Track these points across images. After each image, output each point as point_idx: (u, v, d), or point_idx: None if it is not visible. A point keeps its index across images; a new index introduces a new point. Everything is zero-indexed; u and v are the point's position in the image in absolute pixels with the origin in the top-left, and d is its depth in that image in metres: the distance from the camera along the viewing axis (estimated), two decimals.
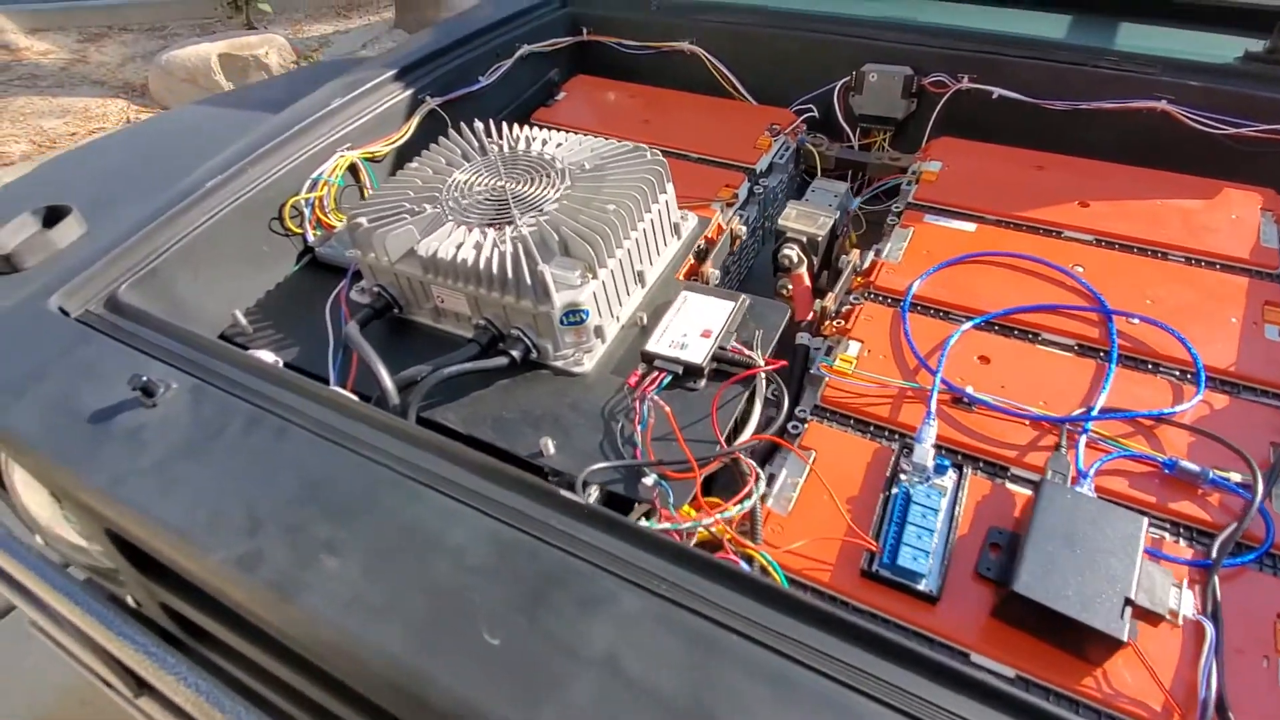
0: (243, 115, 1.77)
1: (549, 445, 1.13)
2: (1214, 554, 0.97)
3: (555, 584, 0.80)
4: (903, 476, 1.08)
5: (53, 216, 1.45)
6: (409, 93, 1.74)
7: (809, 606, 0.79)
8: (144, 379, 1.02)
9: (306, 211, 1.52)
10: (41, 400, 1.07)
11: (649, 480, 1.06)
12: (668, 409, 1.13)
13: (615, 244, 1.27)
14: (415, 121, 1.73)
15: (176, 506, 0.93)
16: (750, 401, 1.19)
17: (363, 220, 1.32)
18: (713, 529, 1.01)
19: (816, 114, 1.91)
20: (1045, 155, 1.67)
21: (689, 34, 2.04)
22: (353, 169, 1.62)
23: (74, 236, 1.41)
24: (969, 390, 1.19)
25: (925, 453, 1.08)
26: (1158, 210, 1.49)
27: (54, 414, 1.05)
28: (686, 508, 1.05)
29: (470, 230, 1.30)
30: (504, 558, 0.83)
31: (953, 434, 1.16)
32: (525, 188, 1.37)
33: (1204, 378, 1.17)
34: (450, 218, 1.33)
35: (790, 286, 1.56)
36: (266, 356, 1.30)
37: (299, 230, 1.53)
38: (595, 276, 1.24)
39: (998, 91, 1.73)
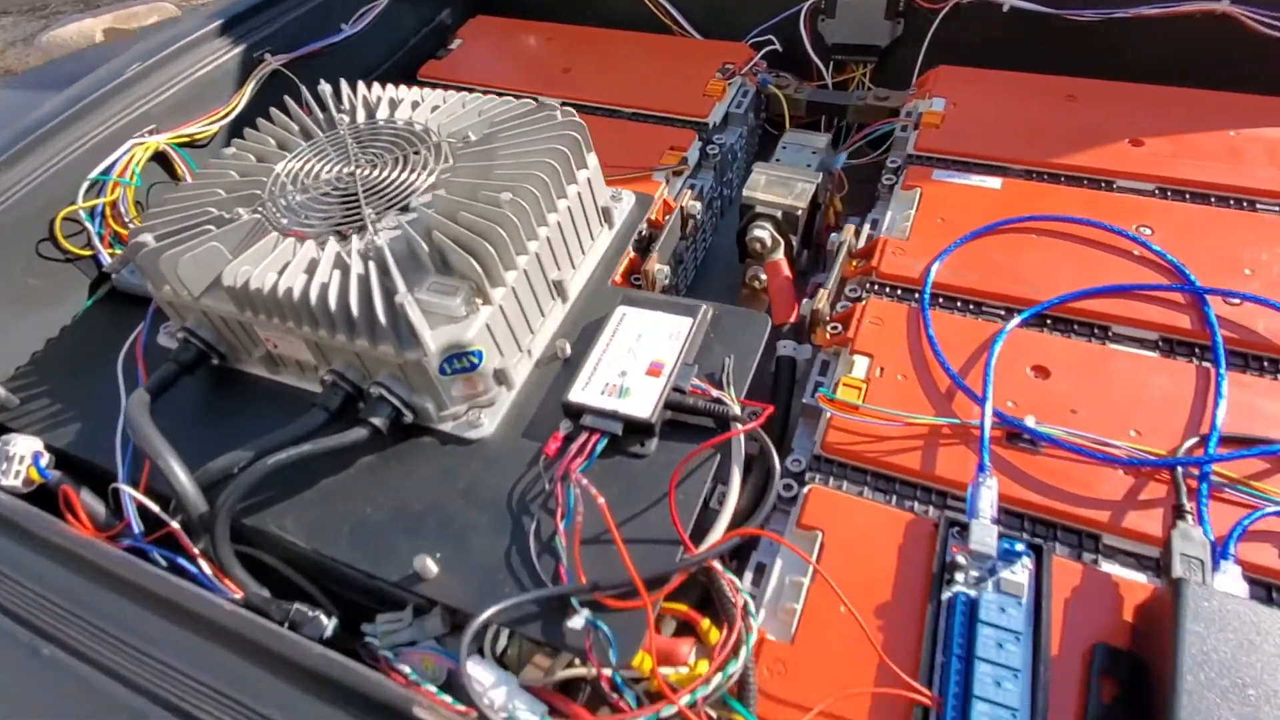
0: (17, 100, 1.32)
1: (429, 565, 0.75)
2: None
3: None
4: (959, 576, 0.73)
5: None
6: (239, 50, 1.30)
7: None
8: None
9: (93, 225, 1.10)
10: None
11: (577, 622, 0.69)
12: (601, 499, 0.76)
13: (516, 249, 0.88)
14: (251, 88, 1.29)
15: None
16: (723, 467, 0.82)
17: (147, 238, 0.91)
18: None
19: (778, 47, 1.51)
20: (1076, 81, 1.30)
21: None
22: (163, 160, 1.19)
23: None
24: (1030, 423, 0.84)
25: (985, 532, 0.73)
26: (1234, 144, 1.14)
27: None
28: (642, 656, 0.68)
29: (301, 243, 0.89)
30: None
31: (1014, 490, 0.81)
32: (385, 174, 0.96)
33: None
34: (275, 226, 0.92)
35: (764, 277, 1.19)
36: (26, 444, 0.90)
37: (84, 251, 1.10)
38: (488, 301, 0.85)
39: (1009, 3, 1.35)
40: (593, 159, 1.01)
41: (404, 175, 0.95)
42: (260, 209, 0.94)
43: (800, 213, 1.15)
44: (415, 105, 1.07)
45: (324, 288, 0.82)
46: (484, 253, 0.84)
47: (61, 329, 1.09)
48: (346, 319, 0.82)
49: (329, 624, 0.79)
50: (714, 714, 0.68)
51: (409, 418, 0.87)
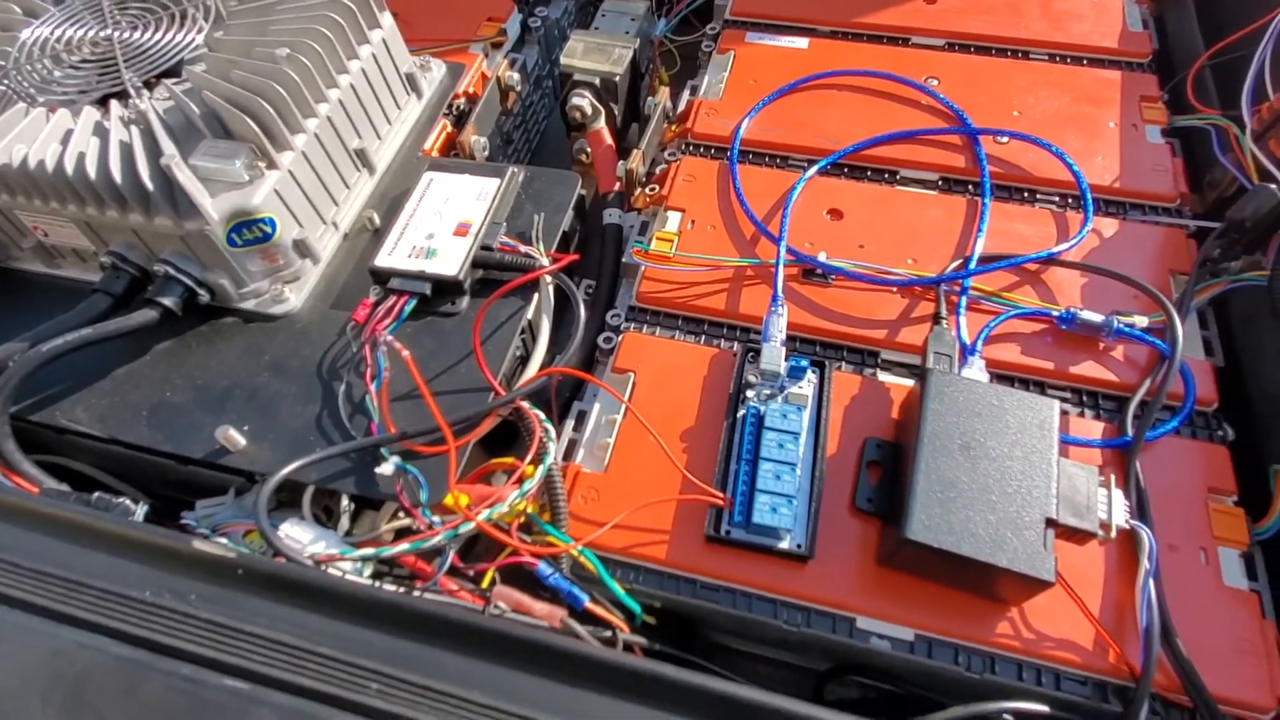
0: None
1: (234, 436, 0.74)
2: (1129, 429, 0.77)
3: None
4: (749, 393, 0.79)
5: None
6: None
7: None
8: None
9: None
10: None
11: (388, 468, 0.70)
12: (405, 352, 0.76)
13: (301, 110, 0.84)
14: None
15: None
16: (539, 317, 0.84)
17: None
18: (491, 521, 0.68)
19: None
20: None
21: None
22: None
23: None
24: (821, 258, 0.91)
25: (775, 353, 0.79)
26: (1012, 0, 1.22)
27: None
28: (455, 496, 0.71)
29: (55, 114, 0.81)
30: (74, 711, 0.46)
31: (807, 319, 0.88)
32: (148, 36, 0.87)
33: (1090, 201, 0.95)
34: (23, 98, 0.83)
35: (589, 149, 1.19)
36: None
37: None
38: (274, 165, 0.81)
39: None
40: (387, 19, 0.96)
41: (170, 36, 0.87)
42: (5, 81, 0.84)
43: (618, 79, 1.14)
44: None
45: (81, 157, 0.76)
46: (262, 112, 0.79)
47: None
48: (112, 190, 0.76)
49: (137, 509, 0.77)
50: (529, 538, 0.72)
51: (205, 297, 0.83)
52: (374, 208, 0.93)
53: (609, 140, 1.16)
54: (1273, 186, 0.82)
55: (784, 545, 0.71)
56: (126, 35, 0.87)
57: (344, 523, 0.77)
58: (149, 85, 0.85)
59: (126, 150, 0.76)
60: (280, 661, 0.47)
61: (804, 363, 0.80)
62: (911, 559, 0.68)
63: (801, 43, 1.18)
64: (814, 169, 1.00)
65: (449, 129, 1.07)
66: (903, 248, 0.93)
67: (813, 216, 0.97)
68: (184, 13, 0.89)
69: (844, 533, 0.73)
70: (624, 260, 0.98)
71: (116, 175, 0.75)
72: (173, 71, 0.86)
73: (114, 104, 0.81)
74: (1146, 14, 1.20)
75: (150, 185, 0.74)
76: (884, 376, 0.85)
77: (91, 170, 0.75)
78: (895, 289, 0.89)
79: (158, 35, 0.87)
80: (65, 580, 0.51)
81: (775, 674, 0.85)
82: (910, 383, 0.84)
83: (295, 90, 0.82)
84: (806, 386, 0.80)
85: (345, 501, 0.77)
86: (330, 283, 0.88)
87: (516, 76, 1.16)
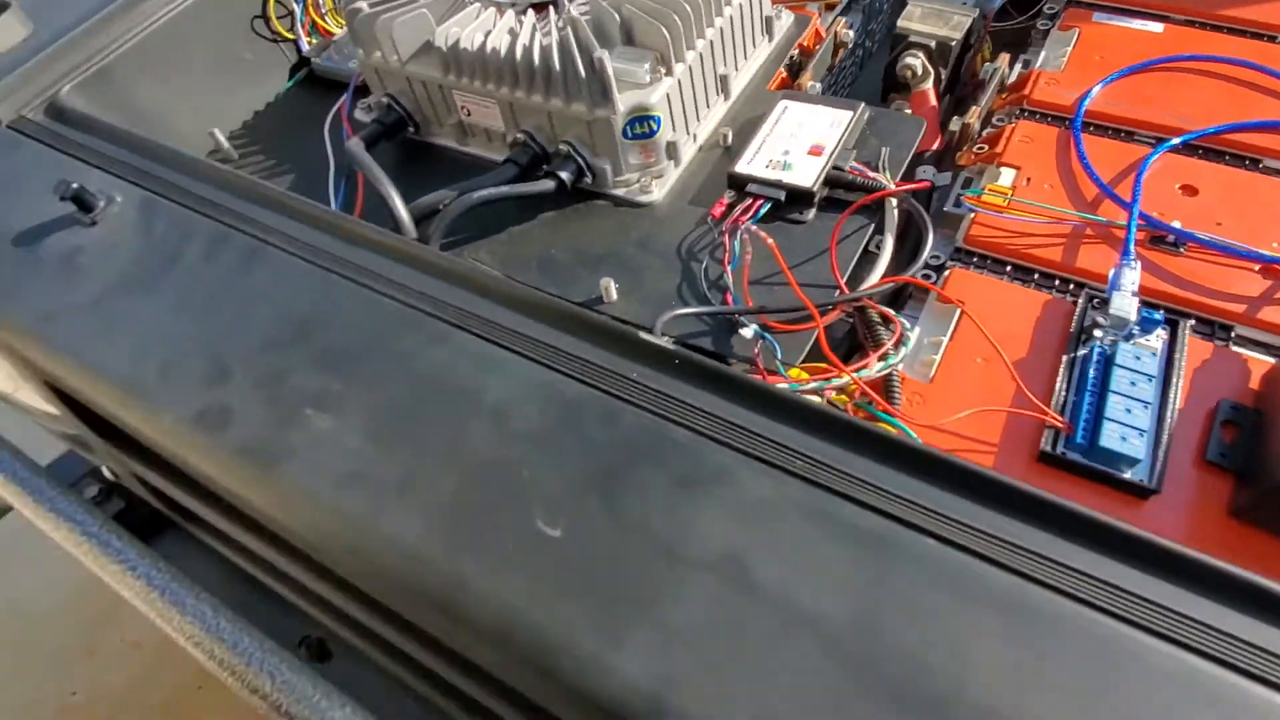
0: None
1: (610, 288, 0.86)
2: None
3: (642, 456, 0.55)
4: (1097, 334, 0.79)
5: None
6: None
7: (1013, 491, 0.53)
8: (75, 186, 0.77)
9: (298, 9, 1.21)
10: None
11: (748, 332, 0.79)
12: (770, 240, 0.85)
13: (695, 32, 0.95)
14: None
15: (120, 351, 0.69)
16: (877, 238, 0.90)
17: (363, 5, 1.01)
18: (836, 393, 0.75)
19: None
20: None
21: None
22: None
23: (16, 39, 1.13)
24: (1177, 225, 0.88)
25: (1127, 302, 0.79)
26: None
27: None
28: (797, 369, 0.78)
29: (501, 15, 0.99)
30: (566, 419, 0.58)
31: (1155, 283, 0.86)
32: None
33: None
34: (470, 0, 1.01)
35: (909, 109, 1.23)
36: None
37: (290, 35, 1.23)
38: (670, 72, 0.93)
39: None
40: None
41: None
42: None
43: (954, 44, 1.17)
44: None
45: (527, 48, 0.92)
46: (672, 25, 0.91)
47: (267, 103, 1.22)
48: (547, 76, 0.91)
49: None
50: None
51: (589, 179, 0.97)
52: (728, 127, 1.04)
53: (933, 102, 1.20)
54: None
55: (1127, 475, 0.71)
56: None
57: None
58: None
59: (565, 44, 0.91)
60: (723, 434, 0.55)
61: (1157, 315, 0.79)
62: (1273, 512, 0.65)
63: (1156, 27, 1.15)
64: (1174, 140, 0.98)
65: (785, 74, 1.16)
66: (1264, 231, 0.88)
67: (1163, 190, 0.95)
68: None
69: (1189, 480, 0.71)
70: (946, 211, 1.01)
71: (555, 64, 0.89)
72: None
73: (551, 14, 0.97)
74: None
75: (583, 75, 0.88)
76: (1240, 349, 0.81)
77: (536, 58, 0.91)
78: (1257, 266, 0.85)
79: None
80: (549, 347, 0.63)
81: None
82: (1272, 360, 0.80)
83: (698, 12, 0.93)
84: (1155, 341, 0.79)
85: None
86: (685, 184, 0.99)
87: (851, 34, 1.23)
